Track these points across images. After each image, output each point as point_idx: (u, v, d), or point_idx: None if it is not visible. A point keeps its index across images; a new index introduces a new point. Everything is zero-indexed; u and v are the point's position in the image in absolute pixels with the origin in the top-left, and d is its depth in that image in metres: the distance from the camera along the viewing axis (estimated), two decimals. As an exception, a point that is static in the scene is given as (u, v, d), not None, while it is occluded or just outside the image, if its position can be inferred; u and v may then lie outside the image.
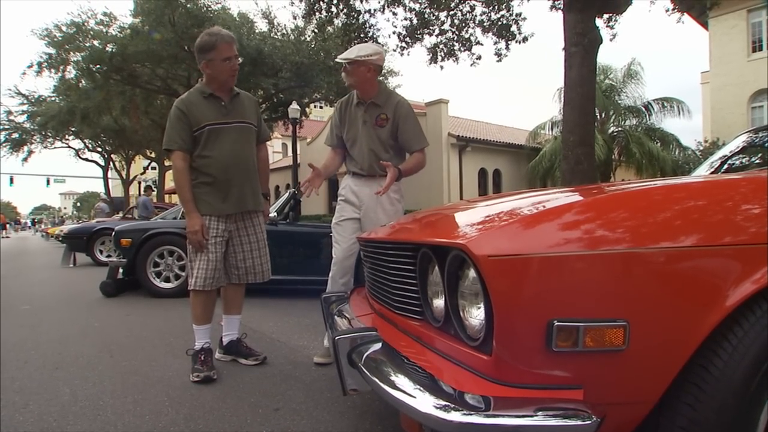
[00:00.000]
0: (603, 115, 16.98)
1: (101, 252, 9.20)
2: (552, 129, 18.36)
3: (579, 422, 0.78)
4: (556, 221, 0.89)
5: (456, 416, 0.83)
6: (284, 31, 16.96)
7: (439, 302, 1.20)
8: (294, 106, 15.44)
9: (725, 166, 2.45)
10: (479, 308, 0.97)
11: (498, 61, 11.55)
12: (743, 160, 2.51)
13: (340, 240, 2.88)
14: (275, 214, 5.24)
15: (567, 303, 0.85)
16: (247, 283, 2.85)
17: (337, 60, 2.74)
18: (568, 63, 6.53)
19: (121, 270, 5.49)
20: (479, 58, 11.66)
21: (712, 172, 2.44)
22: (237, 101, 2.73)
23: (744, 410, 0.87)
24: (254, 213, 2.83)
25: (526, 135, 19.58)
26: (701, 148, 17.40)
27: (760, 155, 2.49)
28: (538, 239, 0.86)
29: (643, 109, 17.06)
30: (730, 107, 17.17)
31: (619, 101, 16.85)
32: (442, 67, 11.56)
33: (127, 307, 4.73)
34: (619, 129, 17.22)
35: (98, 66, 15.77)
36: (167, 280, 5.34)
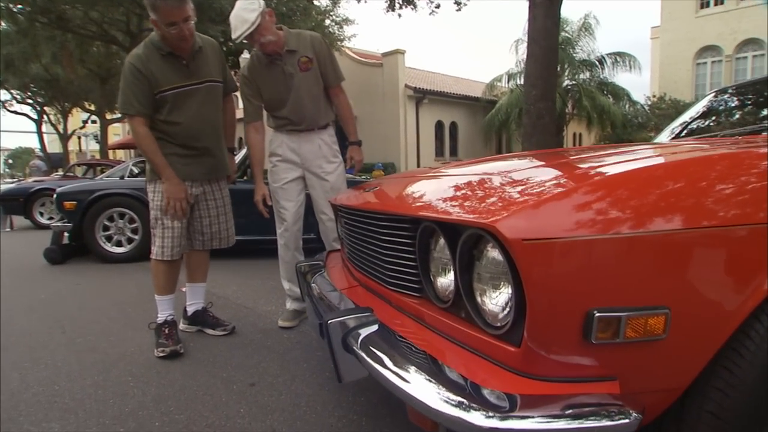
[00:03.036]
0: (558, 69, 17.07)
1: (41, 214, 8.59)
2: (508, 81, 18.35)
3: (622, 420, 0.72)
4: (591, 199, 0.80)
5: (481, 419, 0.75)
6: (232, -28, 15.75)
7: (444, 281, 1.10)
8: (245, 55, 14.59)
9: (693, 128, 2.43)
10: (501, 293, 0.88)
11: (457, 10, 11.25)
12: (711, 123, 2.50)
13: (287, 205, 2.73)
14: (232, 172, 4.98)
15: (606, 290, 0.77)
16: (212, 248, 2.67)
17: (241, 39, 2.41)
18: (532, 14, 6.38)
19: (66, 235, 5.11)
20: (438, 6, 11.32)
21: (683, 134, 2.41)
22: (200, 58, 2.42)
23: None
24: (221, 177, 2.63)
25: (482, 87, 19.50)
26: (649, 103, 17.93)
27: (732, 116, 2.48)
28: (575, 220, 0.77)
29: (597, 63, 17.24)
30: (677, 63, 17.66)
31: (574, 54, 16.93)
32: (400, 15, 11.18)
33: (76, 276, 4.43)
34: (573, 83, 17.39)
35: (20, 6, 14.18)
36: (119, 244, 5.03)
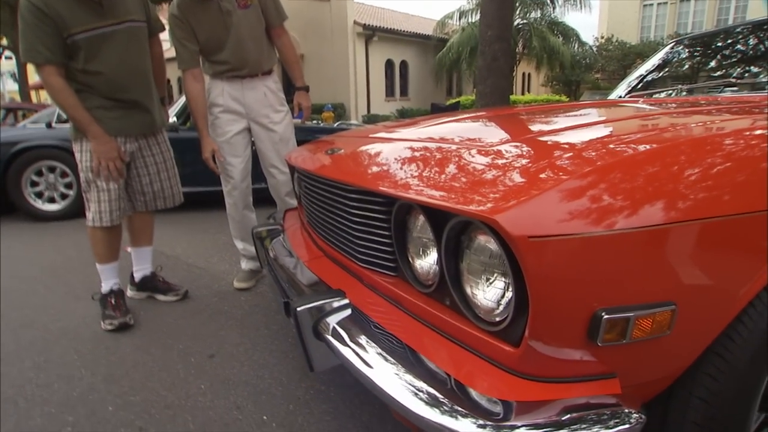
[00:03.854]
0: (511, 6, 16.75)
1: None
2: (460, 19, 17.91)
3: (627, 426, 0.68)
4: (598, 191, 0.71)
5: (472, 428, 0.69)
6: None
7: (424, 264, 1.02)
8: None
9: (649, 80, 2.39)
10: (496, 287, 0.80)
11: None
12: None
13: (234, 161, 2.52)
14: (174, 119, 4.62)
15: (613, 289, 0.71)
16: (156, 209, 2.47)
17: None
18: (489, -52, 6.09)
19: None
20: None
21: (640, 88, 2.36)
22: None
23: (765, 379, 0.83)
24: (157, 129, 2.38)
25: (433, 25, 18.95)
26: (597, 44, 18.06)
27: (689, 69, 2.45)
28: (583, 214, 0.69)
29: (548, 1, 17.03)
30: (625, 4, 17.70)
31: (526, -8, 16.63)
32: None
33: (3, 238, 4.06)
34: (524, 21, 17.19)
35: None
36: (52, 200, 4.63)
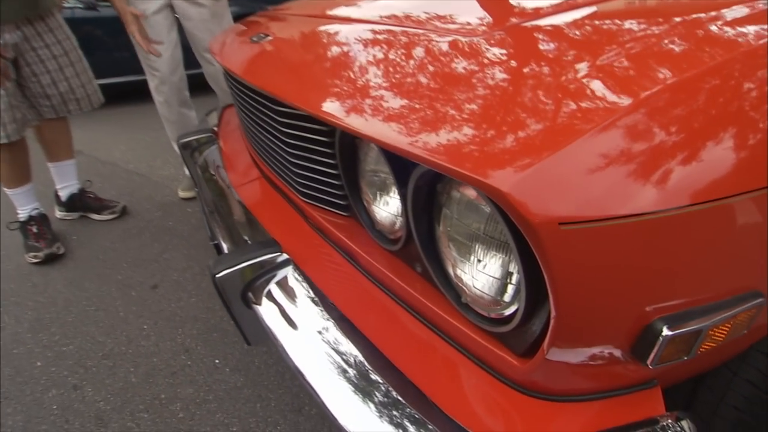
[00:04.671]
0: None
1: None
2: None
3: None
4: (653, 142, 0.42)
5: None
6: None
7: (384, 211, 0.74)
8: None
9: None
10: (488, 271, 0.54)
11: None
12: None
13: (160, 56, 2.02)
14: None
15: (677, 284, 0.46)
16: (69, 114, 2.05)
17: None
18: None
19: None
20: None
21: None
22: None
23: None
24: (46, 12, 1.86)
25: None
26: None
27: None
28: (633, 185, 0.41)
29: None
30: None
31: None
32: None
33: None
34: None
35: None
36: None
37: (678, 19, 0.58)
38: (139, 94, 4.17)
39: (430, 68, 0.62)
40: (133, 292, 1.69)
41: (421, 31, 0.77)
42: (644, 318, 0.46)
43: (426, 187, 0.59)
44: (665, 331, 0.45)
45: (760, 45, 0.49)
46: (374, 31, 0.84)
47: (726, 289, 0.49)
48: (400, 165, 0.62)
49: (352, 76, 0.69)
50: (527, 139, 0.42)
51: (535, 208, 0.39)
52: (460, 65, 0.60)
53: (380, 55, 0.73)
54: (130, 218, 2.23)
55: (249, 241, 0.93)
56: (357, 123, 0.58)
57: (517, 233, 0.45)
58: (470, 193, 0.52)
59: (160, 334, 1.48)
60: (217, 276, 0.79)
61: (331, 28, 0.99)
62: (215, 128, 1.66)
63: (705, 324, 0.45)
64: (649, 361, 0.47)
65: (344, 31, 0.92)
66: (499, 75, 0.55)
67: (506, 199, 0.40)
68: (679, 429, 0.50)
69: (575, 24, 0.64)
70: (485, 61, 0.60)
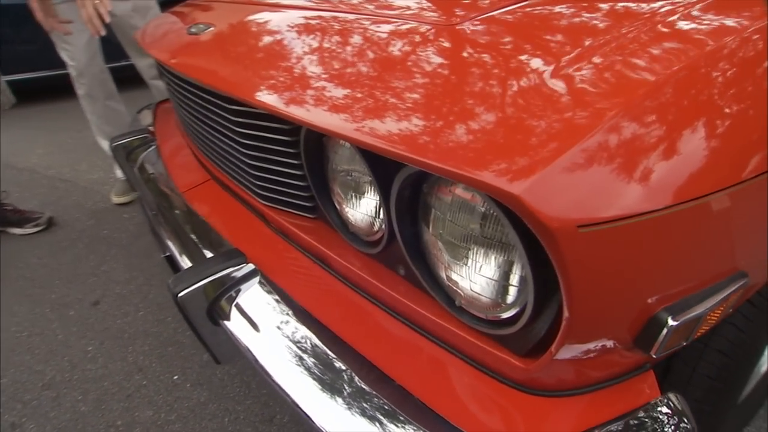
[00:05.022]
0: None
1: None
2: None
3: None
4: (652, 139, 0.41)
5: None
6: None
7: (358, 212, 0.69)
8: None
9: None
10: (484, 273, 0.51)
11: None
12: None
13: (68, 38, 1.80)
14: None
15: (675, 273, 0.45)
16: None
17: None
18: None
19: None
20: None
21: None
22: None
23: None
24: None
25: None
26: None
27: None
28: (643, 184, 0.39)
29: None
30: None
31: None
32: None
33: None
34: None
35: None
36: None
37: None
38: (57, 90, 3.84)
39: (413, 60, 0.58)
40: (72, 311, 1.55)
41: (393, 19, 0.73)
42: (649, 310, 0.46)
43: (410, 188, 0.55)
44: (670, 321, 0.45)
45: None
46: (340, 20, 0.79)
47: (718, 274, 0.49)
48: (380, 164, 0.57)
49: (323, 69, 0.64)
50: (537, 139, 0.40)
51: (551, 212, 0.37)
52: (445, 57, 0.57)
53: (351, 44, 0.68)
54: (58, 230, 2.04)
55: (207, 252, 0.86)
56: (335, 123, 0.53)
57: (525, 236, 0.42)
58: (464, 194, 0.49)
59: (108, 354, 1.36)
60: (180, 295, 0.72)
61: (282, 10, 0.92)
62: (151, 127, 1.54)
63: (704, 310, 0.46)
64: (653, 351, 0.47)
65: (299, 17, 0.86)
66: (499, 69, 0.51)
67: (521, 203, 0.37)
68: (674, 408, 0.50)
69: (572, 13, 0.62)
70: (479, 54, 0.56)
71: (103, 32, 1.59)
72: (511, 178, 0.38)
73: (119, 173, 2.27)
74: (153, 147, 1.42)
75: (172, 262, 0.97)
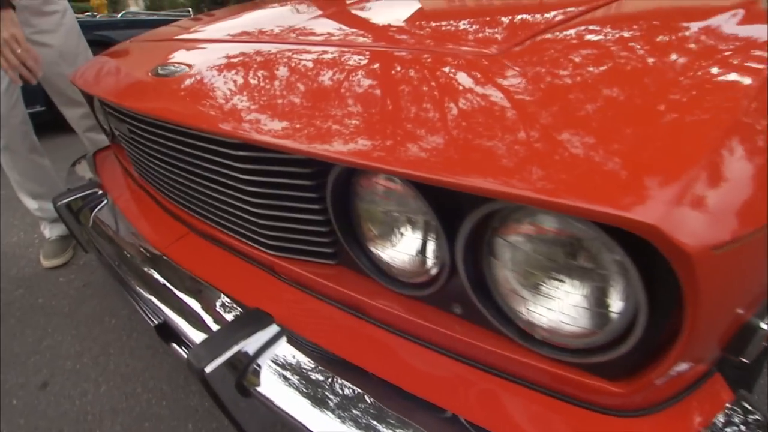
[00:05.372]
0: None
1: None
2: None
3: None
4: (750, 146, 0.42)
5: None
6: None
7: (401, 253, 0.65)
8: None
9: None
10: (579, 305, 0.49)
11: None
12: None
13: None
14: None
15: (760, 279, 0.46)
16: None
17: None
18: None
19: None
20: None
21: None
22: None
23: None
24: None
25: None
26: None
27: None
28: (759, 196, 0.40)
29: None
30: None
31: None
32: None
33: None
34: None
35: None
36: None
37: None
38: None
39: (477, 93, 0.56)
40: (15, 399, 1.34)
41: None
42: (744, 318, 0.46)
43: (478, 225, 0.52)
44: (762, 326, 0.46)
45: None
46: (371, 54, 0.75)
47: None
48: (444, 204, 0.54)
49: (368, 108, 0.60)
50: (658, 165, 0.39)
51: (687, 238, 0.36)
52: (532, 84, 0.55)
53: (367, 77, 0.64)
54: (-19, 305, 1.79)
55: (209, 317, 0.78)
56: (397, 161, 0.49)
57: (639, 262, 0.41)
58: (549, 228, 0.47)
59: (69, 443, 1.19)
60: (208, 372, 0.63)
61: (274, 49, 0.87)
62: (98, 181, 1.41)
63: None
64: (744, 356, 0.47)
65: (313, 54, 0.81)
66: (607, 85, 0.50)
67: (660, 232, 0.35)
68: (748, 406, 0.51)
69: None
70: (572, 72, 0.55)
71: (34, 81, 1.45)
72: (644, 209, 0.36)
73: (48, 232, 2.05)
74: (106, 201, 1.29)
75: (162, 331, 0.87)
